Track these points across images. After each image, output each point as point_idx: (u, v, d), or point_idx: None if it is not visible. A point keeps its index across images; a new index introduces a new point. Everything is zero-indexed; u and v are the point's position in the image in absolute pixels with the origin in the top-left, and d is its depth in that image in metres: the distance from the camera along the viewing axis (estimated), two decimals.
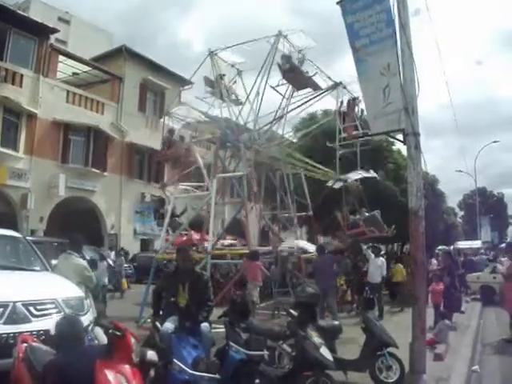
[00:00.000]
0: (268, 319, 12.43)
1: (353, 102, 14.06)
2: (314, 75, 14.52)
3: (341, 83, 14.26)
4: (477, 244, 33.64)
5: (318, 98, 14.86)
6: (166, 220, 14.15)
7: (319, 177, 16.96)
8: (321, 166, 16.81)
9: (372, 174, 16.17)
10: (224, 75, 14.79)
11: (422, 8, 17.49)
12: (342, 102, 14.45)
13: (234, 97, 15.20)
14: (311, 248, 14.60)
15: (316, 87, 14.75)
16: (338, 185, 15.69)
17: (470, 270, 19.81)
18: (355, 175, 15.49)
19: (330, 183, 16.29)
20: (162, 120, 17.23)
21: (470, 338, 10.18)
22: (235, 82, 15.28)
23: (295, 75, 14.19)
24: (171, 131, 15.01)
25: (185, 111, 14.95)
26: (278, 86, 14.78)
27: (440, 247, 26.05)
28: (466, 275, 18.84)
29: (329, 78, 14.68)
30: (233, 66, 14.93)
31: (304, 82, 14.57)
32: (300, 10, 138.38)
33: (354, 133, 13.74)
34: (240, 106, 15.30)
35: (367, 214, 15.23)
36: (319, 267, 11.65)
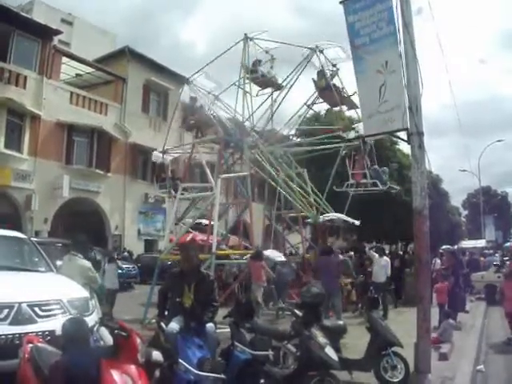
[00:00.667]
0: (273, 319, 12.44)
1: (360, 151, 14.04)
2: (353, 95, 14.01)
3: (317, 47, 13.98)
4: (481, 243, 33.54)
5: (299, 68, 14.52)
6: (171, 221, 14.17)
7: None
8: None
9: (354, 221, 15.86)
10: (260, 61, 14.74)
11: (424, 7, 17.36)
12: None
13: (273, 80, 15.10)
14: (279, 257, 14.52)
15: (352, 106, 14.62)
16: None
17: (475, 270, 19.77)
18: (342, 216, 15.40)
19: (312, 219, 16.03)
20: (167, 121, 17.18)
21: (474, 338, 10.17)
22: (271, 67, 15.17)
23: (331, 93, 14.07)
24: (193, 99, 14.86)
25: (204, 80, 14.81)
26: (313, 103, 14.80)
27: (444, 247, 25.98)
28: (470, 274, 18.81)
29: (305, 47, 14.42)
30: (267, 52, 14.80)
31: (339, 101, 14.44)
32: (303, 10, 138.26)
33: (363, 181, 13.78)
34: (279, 91, 15.13)
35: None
36: (324, 267, 11.63)
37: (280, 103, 14.78)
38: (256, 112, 14.97)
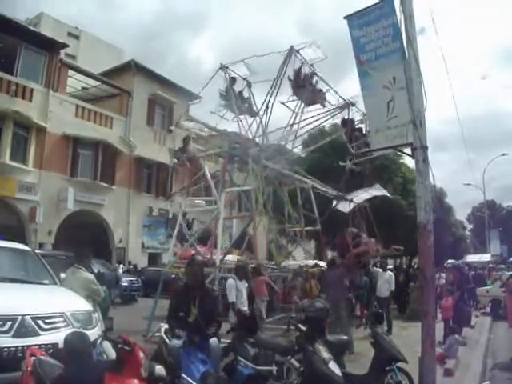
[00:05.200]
0: (282, 334, 12.35)
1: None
2: (326, 92, 14.42)
3: (353, 104, 14.18)
4: (486, 257, 33.41)
5: (328, 116, 14.80)
6: (175, 233, 14.13)
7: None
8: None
9: (383, 191, 16.09)
10: (235, 81, 14.74)
11: (426, 27, 17.50)
12: (352, 121, 14.35)
13: (248, 106, 15.11)
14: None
15: (323, 103, 14.73)
16: (344, 206, 15.58)
17: (480, 284, 19.67)
18: (365, 195, 15.45)
19: (335, 204, 16.20)
20: (170, 133, 17.19)
21: (480, 353, 10.09)
22: (248, 95, 15.21)
23: (304, 90, 14.18)
24: (233, 79, 14.77)
25: (194, 124, 14.93)
26: (288, 101, 14.78)
27: (449, 261, 25.85)
28: (475, 289, 18.72)
29: (340, 97, 14.61)
30: (244, 79, 14.91)
31: (313, 98, 14.55)
32: (311, 29, 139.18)
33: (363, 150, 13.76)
34: (254, 118, 15.18)
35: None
36: (330, 281, 11.56)
37: (270, 115, 14.73)
38: (251, 128, 15.01)
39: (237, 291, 9.73)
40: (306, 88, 14.07)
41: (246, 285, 10.46)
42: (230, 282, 9.94)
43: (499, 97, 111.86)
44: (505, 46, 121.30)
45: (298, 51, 13.79)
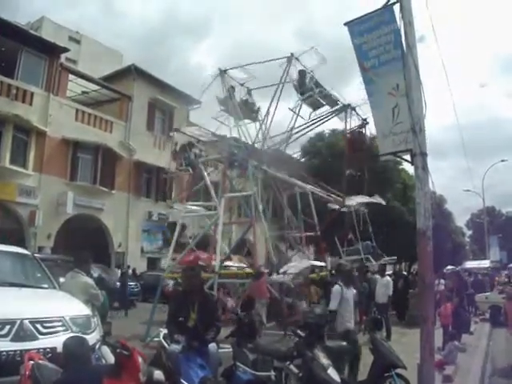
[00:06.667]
0: (280, 340, 12.30)
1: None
2: (329, 93, 14.56)
3: (349, 105, 14.27)
4: (485, 264, 33.31)
5: (325, 119, 14.87)
6: (174, 238, 14.13)
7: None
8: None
9: (378, 199, 16.12)
10: (234, 87, 14.78)
11: (425, 35, 17.52)
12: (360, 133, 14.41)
13: (249, 111, 15.14)
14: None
15: (333, 104, 14.76)
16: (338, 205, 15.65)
17: (479, 290, 19.65)
18: (361, 199, 15.49)
19: (331, 205, 16.25)
20: (171, 137, 17.17)
21: (479, 360, 10.07)
22: (247, 99, 15.26)
23: (312, 95, 14.22)
24: (232, 88, 14.76)
25: (194, 129, 14.97)
26: (295, 107, 14.82)
27: (449, 267, 25.80)
28: (474, 295, 18.70)
29: (338, 101, 14.69)
30: (242, 84, 14.95)
31: (320, 101, 14.59)
32: (312, 36, 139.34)
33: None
34: (255, 123, 15.20)
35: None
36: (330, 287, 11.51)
37: (271, 123, 14.76)
38: (252, 133, 15.03)
39: (342, 299, 7.77)
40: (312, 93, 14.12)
41: (355, 292, 8.61)
42: (337, 288, 8.33)
43: (499, 104, 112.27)
44: (505, 54, 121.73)
45: (297, 58, 13.85)
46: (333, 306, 7.62)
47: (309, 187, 16.47)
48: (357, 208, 15.66)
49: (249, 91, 15.08)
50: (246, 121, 15.28)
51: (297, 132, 15.18)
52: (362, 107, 13.68)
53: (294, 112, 14.75)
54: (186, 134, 15.12)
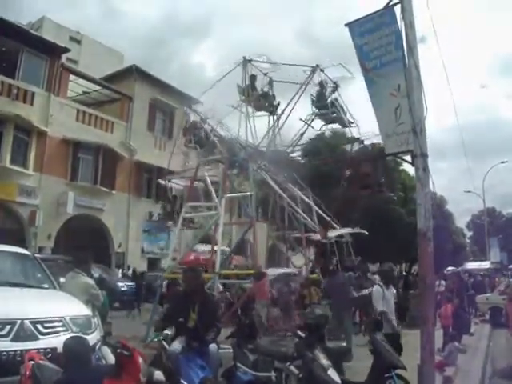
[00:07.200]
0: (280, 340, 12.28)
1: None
2: (341, 115, 14.22)
3: (317, 66, 14.08)
4: (485, 265, 33.30)
5: (301, 90, 14.58)
6: (174, 239, 14.12)
7: None
8: None
9: (361, 230, 15.98)
10: (255, 79, 14.68)
11: (426, 36, 17.56)
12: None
13: (267, 104, 15.06)
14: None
15: (344, 125, 14.70)
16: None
17: (480, 291, 19.65)
18: (343, 231, 15.39)
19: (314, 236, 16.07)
20: (172, 139, 17.03)
21: (479, 361, 10.06)
22: (268, 91, 15.15)
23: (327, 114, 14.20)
24: (253, 77, 14.54)
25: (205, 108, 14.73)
26: (307, 119, 14.77)
27: (449, 268, 25.79)
28: (475, 296, 18.70)
29: (352, 122, 14.54)
30: (265, 74, 14.83)
31: (333, 118, 14.52)
32: (312, 37, 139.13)
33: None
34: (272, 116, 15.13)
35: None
36: (333, 288, 11.49)
37: (283, 124, 14.76)
38: (259, 132, 14.96)
39: (384, 300, 7.88)
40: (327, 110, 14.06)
41: (394, 291, 8.75)
42: (378, 289, 8.13)
43: (499, 105, 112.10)
44: (505, 54, 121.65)
45: (322, 70, 13.80)
46: (379, 307, 7.78)
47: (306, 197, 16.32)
48: (339, 240, 15.51)
49: (271, 81, 14.94)
50: (262, 113, 15.20)
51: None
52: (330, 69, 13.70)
53: (306, 123, 14.70)
54: (196, 113, 14.81)
